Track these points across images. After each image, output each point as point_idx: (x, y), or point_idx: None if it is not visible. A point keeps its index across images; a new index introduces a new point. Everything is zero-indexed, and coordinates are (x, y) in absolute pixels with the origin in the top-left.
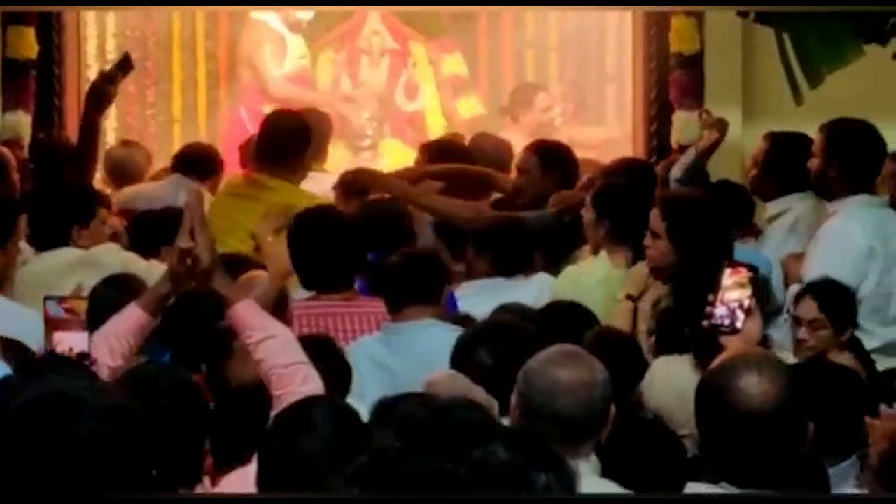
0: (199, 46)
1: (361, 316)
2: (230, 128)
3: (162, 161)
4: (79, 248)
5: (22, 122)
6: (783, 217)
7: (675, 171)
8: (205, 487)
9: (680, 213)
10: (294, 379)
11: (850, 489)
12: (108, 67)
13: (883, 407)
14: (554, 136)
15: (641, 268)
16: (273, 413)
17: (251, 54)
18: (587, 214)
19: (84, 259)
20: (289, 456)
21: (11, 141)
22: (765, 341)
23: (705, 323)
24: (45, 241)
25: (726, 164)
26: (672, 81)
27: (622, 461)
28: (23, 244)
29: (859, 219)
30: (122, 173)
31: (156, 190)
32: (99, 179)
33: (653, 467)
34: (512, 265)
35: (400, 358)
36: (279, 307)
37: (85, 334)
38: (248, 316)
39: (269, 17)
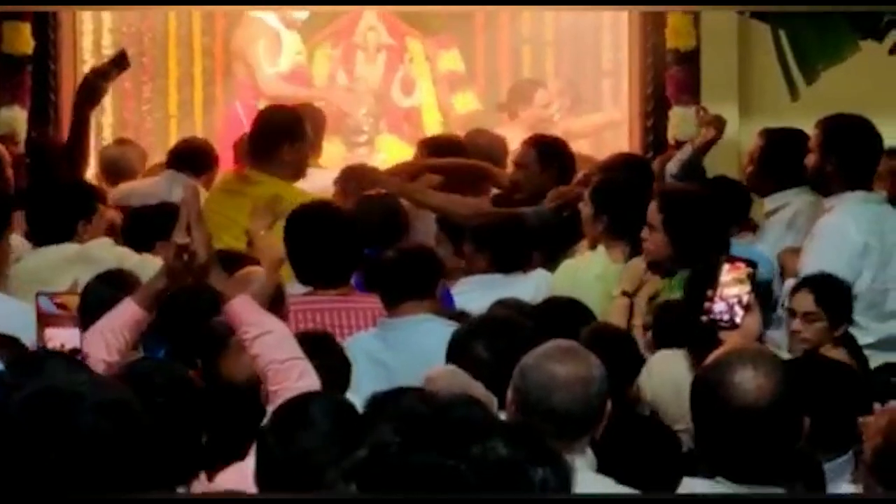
0: (196, 43)
1: (358, 311)
2: (226, 124)
3: (158, 157)
4: (82, 242)
5: (17, 117)
6: (781, 212)
7: (671, 167)
8: (201, 483)
9: (676, 206)
10: (290, 374)
11: (845, 484)
12: (101, 63)
13: (877, 406)
14: (551, 131)
15: (638, 263)
16: (269, 409)
17: (245, 51)
18: (585, 209)
19: (79, 255)
20: (286, 451)
21: (7, 136)
22: (759, 339)
23: (704, 318)
24: (48, 236)
25: (722, 160)
26: (668, 77)
27: (618, 457)
28: (20, 240)
29: (855, 215)
30: (116, 171)
31: (150, 186)
32: (92, 176)
33: (649, 463)
34: (510, 262)
35: (396, 353)
36: (275, 303)
37: (76, 331)
38: (245, 312)
39: (265, 14)
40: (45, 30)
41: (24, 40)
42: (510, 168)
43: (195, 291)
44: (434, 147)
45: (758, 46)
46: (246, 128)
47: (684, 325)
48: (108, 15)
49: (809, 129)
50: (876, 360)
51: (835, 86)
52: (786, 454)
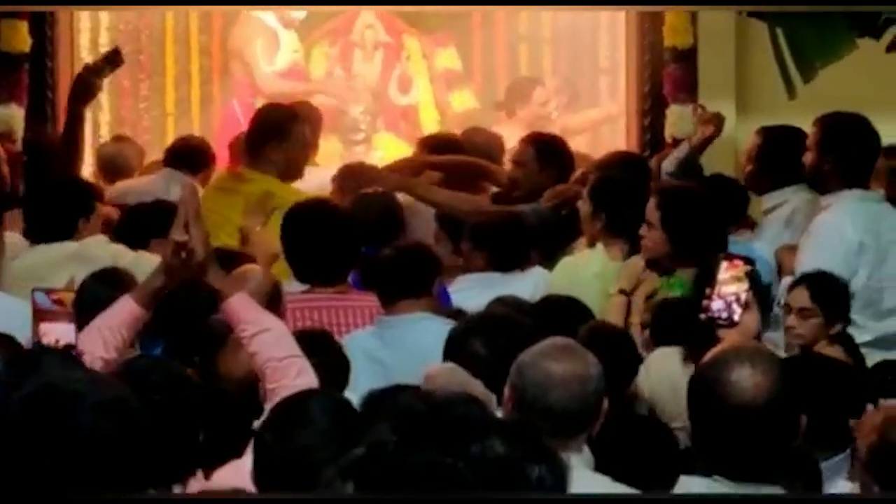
0: (193, 41)
1: (355, 309)
2: (223, 122)
3: (155, 155)
4: (82, 240)
5: (15, 115)
6: (779, 210)
7: (668, 166)
8: (199, 480)
9: (675, 204)
10: (288, 372)
11: (842, 481)
12: (95, 60)
13: (869, 407)
14: (548, 129)
15: (636, 261)
16: (267, 406)
17: (242, 49)
18: (584, 207)
19: (75, 253)
20: (284, 449)
21: (4, 134)
22: (757, 338)
23: (702, 316)
24: (49, 234)
25: (720, 158)
26: (666, 75)
27: (616, 456)
28: (18, 237)
29: (851, 213)
30: (114, 169)
31: (147, 185)
32: (89, 174)
33: (646, 462)
34: (508, 261)
35: (393, 351)
36: (273, 301)
37: (72, 326)
38: (243, 309)
39: (263, 13)
40: (43, 28)
41: (21, 38)
42: (507, 166)
43: (193, 289)
44: (433, 145)
45: (755, 44)
46: (243, 126)
47: (682, 322)
48: (105, 13)
49: (806, 127)
50: (872, 357)
51: (832, 84)
52: (783, 452)
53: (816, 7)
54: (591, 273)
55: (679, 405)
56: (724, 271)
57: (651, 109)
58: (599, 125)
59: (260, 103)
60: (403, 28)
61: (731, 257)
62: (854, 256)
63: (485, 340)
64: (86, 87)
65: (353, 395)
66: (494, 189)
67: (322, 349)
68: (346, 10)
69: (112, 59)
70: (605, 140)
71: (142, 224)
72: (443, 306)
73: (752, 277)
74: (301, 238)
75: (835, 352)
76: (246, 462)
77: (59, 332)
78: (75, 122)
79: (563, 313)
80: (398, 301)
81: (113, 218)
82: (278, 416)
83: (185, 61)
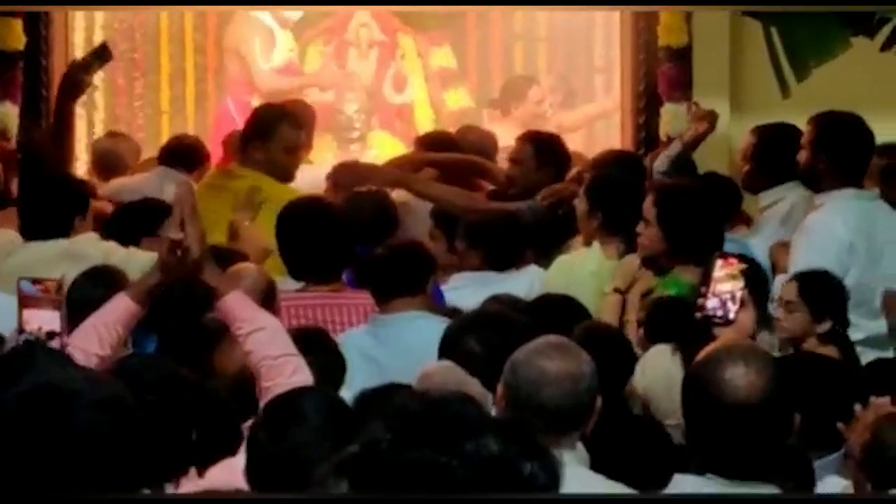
0: (188, 38)
1: (350, 307)
2: (218, 120)
3: (149, 153)
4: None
5: (9, 113)
6: (776, 207)
7: (660, 164)
8: (191, 479)
9: (671, 201)
10: (283, 370)
11: (834, 478)
12: (84, 55)
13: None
14: (543, 127)
15: (631, 260)
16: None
17: (240, 46)
18: (580, 206)
19: (66, 251)
20: (278, 447)
21: None
22: (752, 337)
23: (698, 314)
24: (44, 232)
25: (714, 156)
26: (660, 74)
27: (612, 455)
28: (14, 234)
29: (843, 212)
30: (108, 164)
31: (141, 183)
32: (84, 171)
33: (642, 462)
34: (504, 259)
35: (388, 350)
36: (267, 299)
37: (56, 314)
38: (238, 307)
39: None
40: (37, 26)
41: (15, 36)
42: (501, 164)
43: (188, 287)
44: (429, 143)
45: (749, 43)
46: (237, 124)
47: (677, 321)
48: (99, 11)
49: (800, 125)
50: (866, 357)
51: (826, 83)
52: (776, 451)
53: (811, 7)
54: (586, 272)
55: (674, 403)
56: (719, 269)
57: (646, 108)
58: (594, 121)
59: (255, 101)
60: (398, 27)
61: (725, 256)
62: (846, 255)
63: (480, 338)
64: (74, 83)
65: (348, 393)
66: (491, 187)
67: (318, 347)
68: (341, 9)
69: (101, 55)
70: (599, 139)
71: (133, 221)
72: (437, 305)
73: (751, 276)
74: (295, 236)
75: (829, 351)
76: (239, 460)
77: (42, 319)
78: (64, 118)
79: (558, 312)
80: (392, 299)
81: (106, 212)
82: (272, 414)
83: (179, 59)
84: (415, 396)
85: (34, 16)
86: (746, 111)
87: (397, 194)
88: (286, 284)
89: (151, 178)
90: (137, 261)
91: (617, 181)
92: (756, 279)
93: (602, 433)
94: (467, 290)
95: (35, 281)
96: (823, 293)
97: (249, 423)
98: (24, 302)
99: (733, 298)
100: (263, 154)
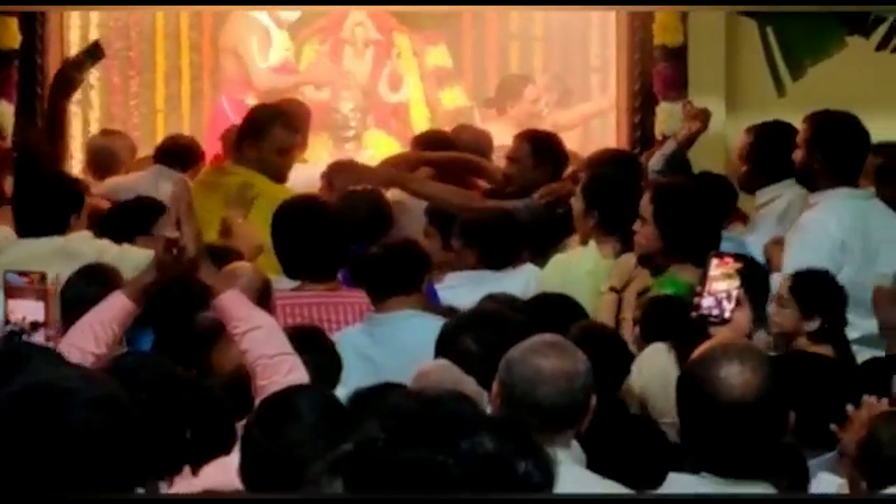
0: (183, 37)
1: (346, 306)
2: (213, 118)
3: (145, 151)
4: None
5: (5, 112)
6: (773, 204)
7: (654, 163)
8: (185, 477)
9: (668, 199)
10: (279, 369)
11: (829, 476)
12: (76, 53)
13: (850, 407)
14: (539, 126)
15: (628, 259)
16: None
17: (237, 45)
18: (577, 204)
19: (60, 248)
20: (273, 444)
21: None
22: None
23: (693, 314)
24: (40, 230)
25: (709, 155)
26: (656, 73)
27: (608, 454)
28: (9, 231)
29: (837, 211)
30: (103, 162)
31: (136, 182)
32: (79, 169)
33: (638, 461)
34: (499, 258)
35: (383, 349)
36: (263, 297)
37: (41, 304)
38: (234, 306)
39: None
40: (33, 24)
41: (11, 35)
42: (497, 163)
43: (184, 286)
44: (425, 142)
45: (745, 42)
46: (233, 122)
47: (672, 319)
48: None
49: (796, 124)
50: (862, 355)
51: (821, 82)
52: (771, 449)
53: (806, 7)
54: (583, 271)
55: (670, 401)
56: (715, 268)
57: (641, 107)
58: (590, 120)
59: (251, 99)
60: (394, 26)
61: (721, 254)
62: (839, 253)
63: (476, 337)
64: (67, 81)
65: (343, 391)
66: (486, 186)
67: (314, 346)
68: (337, 8)
69: (93, 53)
70: (595, 138)
71: (127, 220)
72: (431, 303)
73: (748, 275)
74: (291, 235)
75: (823, 349)
76: (233, 459)
77: (27, 309)
78: (57, 116)
79: (555, 311)
80: (388, 298)
81: (101, 208)
82: (266, 412)
83: (175, 58)
84: (410, 395)
85: (30, 14)
86: (742, 110)
87: (392, 193)
88: (282, 283)
89: (146, 176)
90: (131, 258)
91: (613, 180)
92: (754, 278)
93: (598, 432)
94: (463, 288)
95: (21, 273)
96: (814, 291)
97: (244, 421)
98: (9, 293)
99: (729, 297)
100: (255, 152)
